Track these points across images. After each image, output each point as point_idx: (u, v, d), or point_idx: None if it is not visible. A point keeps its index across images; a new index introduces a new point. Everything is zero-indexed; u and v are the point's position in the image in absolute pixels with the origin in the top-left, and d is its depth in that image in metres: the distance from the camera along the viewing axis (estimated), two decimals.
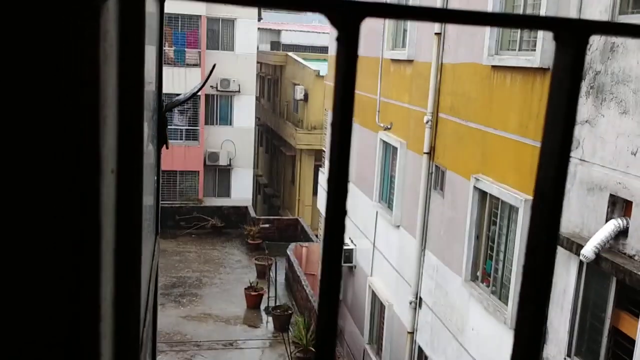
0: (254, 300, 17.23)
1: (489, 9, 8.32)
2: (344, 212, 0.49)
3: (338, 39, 0.44)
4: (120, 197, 0.59)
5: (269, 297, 17.10)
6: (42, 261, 0.43)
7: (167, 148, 1.59)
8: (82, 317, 0.46)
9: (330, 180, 0.47)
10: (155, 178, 1.52)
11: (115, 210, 0.59)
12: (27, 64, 0.40)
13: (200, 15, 24.48)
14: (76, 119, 0.42)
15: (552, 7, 6.99)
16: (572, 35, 0.46)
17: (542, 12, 7.14)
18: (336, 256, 0.49)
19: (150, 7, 1.17)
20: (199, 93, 24.35)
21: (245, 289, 17.46)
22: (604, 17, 6.22)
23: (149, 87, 1.30)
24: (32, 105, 0.41)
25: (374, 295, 12.91)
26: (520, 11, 7.89)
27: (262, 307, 17.26)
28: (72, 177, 0.40)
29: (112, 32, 0.51)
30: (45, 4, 0.40)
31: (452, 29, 9.69)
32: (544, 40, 7.11)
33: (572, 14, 6.61)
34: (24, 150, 0.42)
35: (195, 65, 24.62)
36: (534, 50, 7.44)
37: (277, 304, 16.86)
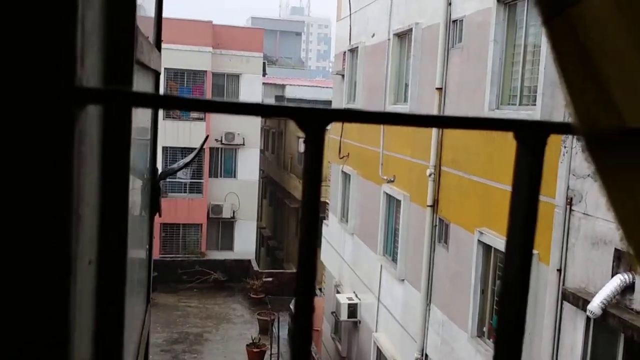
0: (256, 357, 16.88)
1: (489, 67, 8.49)
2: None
3: (305, 141, 0.46)
4: (100, 285, 0.61)
5: (271, 354, 16.76)
6: None
7: (159, 216, 1.60)
8: None
9: (298, 277, 0.48)
10: (148, 247, 1.53)
11: (96, 298, 0.60)
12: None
13: (205, 71, 25.02)
14: (46, 216, 0.43)
15: (550, 65, 7.14)
16: (531, 136, 0.48)
17: (541, 69, 7.27)
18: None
19: (144, 85, 1.22)
20: (203, 147, 24.59)
21: (247, 345, 17.13)
22: None
23: (143, 157, 1.33)
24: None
25: (379, 352, 12.64)
26: (519, 70, 8.05)
27: None
28: (37, 279, 0.42)
29: (93, 132, 0.54)
30: (17, 111, 0.42)
31: (453, 84, 9.86)
32: (544, 95, 7.22)
33: None
34: None
35: (199, 119, 25.00)
36: (535, 105, 7.54)
37: None
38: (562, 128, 0.50)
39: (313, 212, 0.47)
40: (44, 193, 0.41)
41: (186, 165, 3.15)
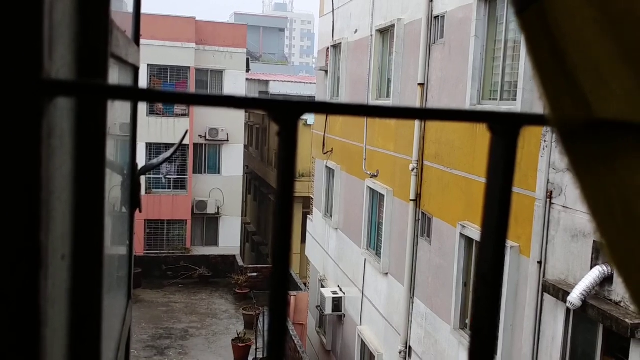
0: (241, 351, 16.87)
1: (470, 63, 8.54)
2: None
3: (278, 134, 0.46)
4: (76, 280, 0.60)
5: (256, 349, 16.76)
6: None
7: (140, 212, 1.59)
8: None
9: (272, 273, 0.48)
10: (128, 242, 1.52)
11: (70, 294, 0.59)
12: None
13: (189, 67, 24.86)
14: (13, 209, 0.43)
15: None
16: (505, 127, 0.49)
17: (522, 64, 7.32)
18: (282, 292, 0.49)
19: (122, 81, 1.20)
20: (187, 143, 24.47)
21: (233, 340, 17.11)
22: None
23: (123, 152, 1.32)
24: None
25: (363, 345, 12.70)
26: (500, 65, 8.11)
27: (250, 358, 16.88)
28: (8, 273, 0.41)
29: (64, 125, 0.53)
30: None
31: (435, 80, 9.91)
32: (524, 90, 7.29)
33: None
34: None
35: (183, 115, 24.84)
36: (515, 100, 7.61)
37: (266, 355, 16.51)
38: (535, 119, 0.50)
39: (287, 204, 0.47)
40: (10, 185, 0.40)
41: (166, 160, 3.13)
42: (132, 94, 0.41)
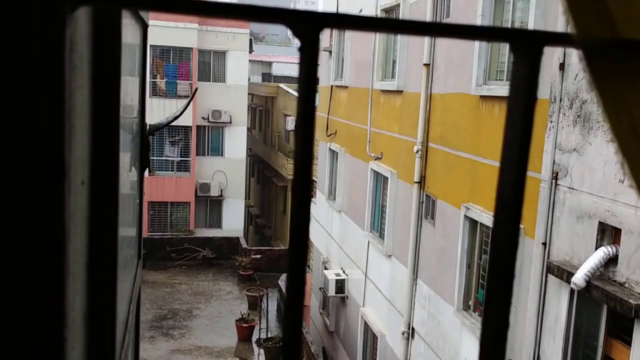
0: (245, 332, 17.01)
1: (476, 43, 8.46)
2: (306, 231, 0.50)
3: (300, 49, 0.45)
4: (94, 207, 0.60)
5: (260, 329, 16.90)
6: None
7: (149, 172, 1.59)
8: (45, 327, 0.46)
9: (294, 188, 0.47)
10: (138, 201, 1.53)
11: (89, 219, 0.59)
12: None
13: (191, 48, 24.74)
14: (37, 125, 0.42)
15: (539, 18, 7.11)
16: (527, 46, 0.48)
17: (531, 19, 7.18)
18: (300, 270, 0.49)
19: (132, 36, 1.20)
20: (190, 124, 24.43)
21: (237, 320, 17.26)
22: None
23: (131, 111, 1.31)
24: None
25: (366, 326, 12.79)
26: (509, 17, 8.01)
27: (254, 339, 17.02)
28: (33, 185, 0.41)
29: (83, 44, 0.52)
30: (6, 11, 0.41)
31: (440, 60, 9.84)
32: None
33: (560, 24, 6.68)
34: None
35: (186, 96, 24.77)
36: None
37: (269, 335, 16.65)
38: (559, 38, 0.50)
39: (308, 124, 0.47)
40: (36, 95, 0.40)
41: (175, 118, 3.14)
42: (148, 2, 0.41)
